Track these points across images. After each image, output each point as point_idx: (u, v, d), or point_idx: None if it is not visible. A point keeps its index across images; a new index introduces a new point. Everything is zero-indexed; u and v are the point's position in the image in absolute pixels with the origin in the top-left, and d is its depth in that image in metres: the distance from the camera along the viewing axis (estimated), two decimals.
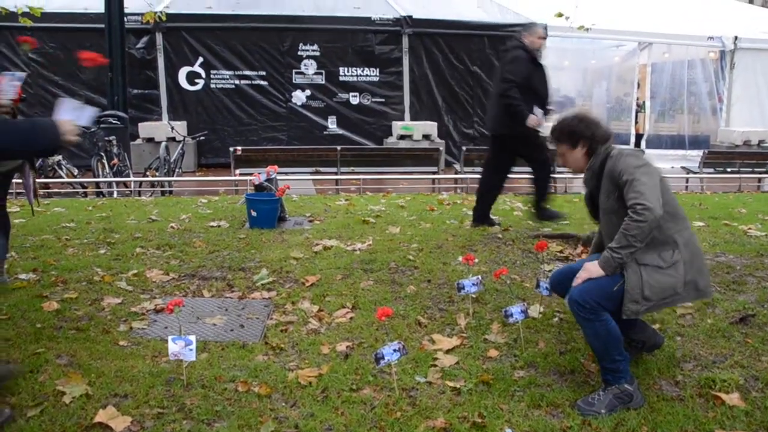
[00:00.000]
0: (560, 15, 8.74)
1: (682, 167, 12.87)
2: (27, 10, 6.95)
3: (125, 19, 11.50)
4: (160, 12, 8.94)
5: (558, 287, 3.35)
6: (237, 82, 13.58)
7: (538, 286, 3.87)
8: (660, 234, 2.92)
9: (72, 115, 2.76)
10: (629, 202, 2.86)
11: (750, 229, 6.37)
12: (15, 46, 12.57)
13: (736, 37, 16.35)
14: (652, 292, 2.89)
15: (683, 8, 17.61)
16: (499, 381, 3.14)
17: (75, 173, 9.97)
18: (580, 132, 3.15)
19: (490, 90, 14.56)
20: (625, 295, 2.89)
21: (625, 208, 2.88)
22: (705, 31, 16.27)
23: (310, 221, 6.68)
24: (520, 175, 11.22)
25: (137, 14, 11.88)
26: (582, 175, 3.24)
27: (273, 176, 6.64)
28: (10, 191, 7.24)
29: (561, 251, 5.50)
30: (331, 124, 14.06)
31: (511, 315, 3.52)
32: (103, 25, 11.25)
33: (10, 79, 3.30)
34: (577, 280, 2.98)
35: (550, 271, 4.94)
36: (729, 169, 12.24)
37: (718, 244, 5.74)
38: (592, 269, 2.94)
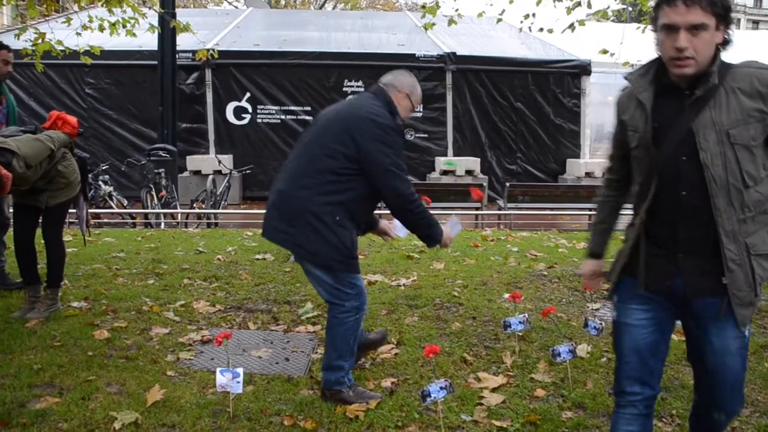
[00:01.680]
0: (605, 52, 8.69)
1: None
2: (88, 48, 7.24)
3: (177, 56, 11.90)
4: (212, 49, 9.20)
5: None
6: (283, 117, 13.83)
7: (586, 325, 3.81)
8: None
9: (454, 230, 3.55)
10: None
11: None
12: (74, 83, 13.08)
13: None
14: None
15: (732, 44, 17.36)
16: (547, 422, 3.08)
17: (125, 204, 10.24)
18: (730, 11, 2.11)
19: (533, 126, 14.61)
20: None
21: None
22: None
23: None
24: (563, 212, 11.16)
25: (188, 51, 12.27)
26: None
27: None
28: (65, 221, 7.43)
29: (608, 290, 5.40)
30: None
31: (559, 354, 3.47)
32: (156, 62, 11.67)
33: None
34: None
35: (597, 309, 4.87)
36: None
37: None
38: None
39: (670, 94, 2.14)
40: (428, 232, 3.20)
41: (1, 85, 5.01)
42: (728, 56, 2.18)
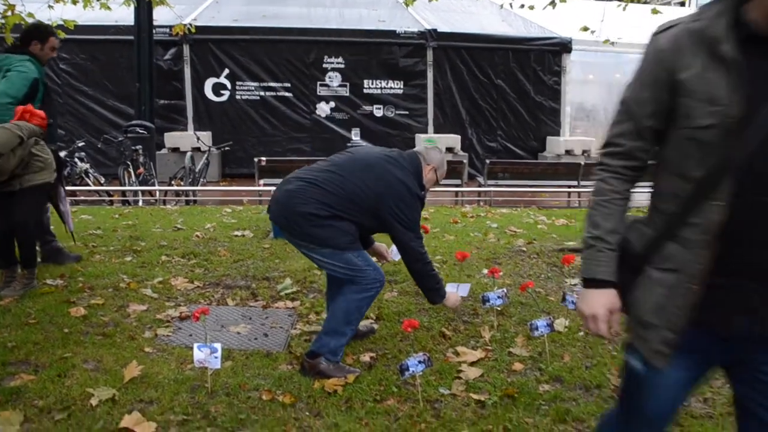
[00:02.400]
0: (585, 29, 8.68)
1: None
2: (61, 23, 7.08)
3: (153, 31, 11.70)
4: (190, 24, 9.05)
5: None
6: (262, 93, 13.70)
7: (564, 299, 3.84)
8: None
9: (461, 292, 3.91)
10: None
11: None
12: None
13: None
14: None
15: None
16: (524, 394, 3.11)
17: (102, 181, 10.12)
18: None
19: (513, 103, 14.61)
20: None
21: None
22: None
23: None
24: (544, 189, 11.22)
25: (165, 26, 12.06)
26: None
27: None
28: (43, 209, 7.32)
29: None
30: (355, 136, 14.12)
31: (537, 328, 3.49)
32: (132, 37, 11.47)
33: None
34: None
35: (575, 285, 4.91)
36: None
37: None
38: None
39: (764, 49, 1.49)
40: (433, 287, 3.45)
41: (41, 70, 4.98)
42: None
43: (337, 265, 3.24)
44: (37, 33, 4.97)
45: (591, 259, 1.75)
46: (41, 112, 4.59)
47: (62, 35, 7.22)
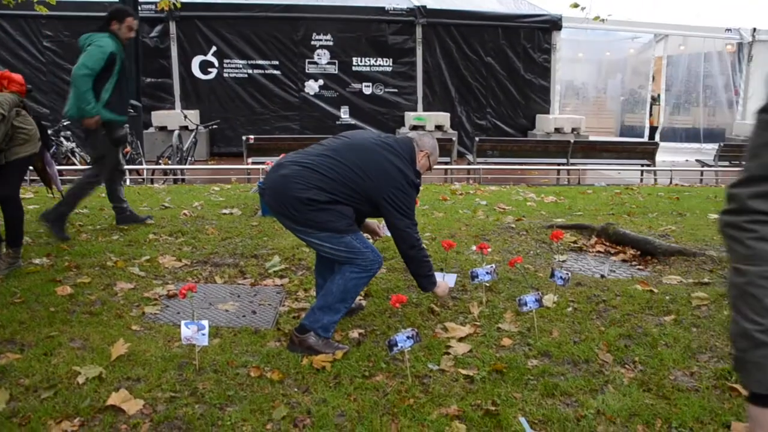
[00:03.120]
0: (576, 5, 8.64)
1: (697, 160, 12.75)
2: None
3: (139, 7, 11.51)
4: (175, 0, 8.91)
5: None
6: (250, 71, 13.58)
7: (552, 275, 3.84)
8: None
9: (448, 280, 3.85)
10: None
11: None
12: (30, 35, 12.62)
13: (754, 29, 16.17)
14: None
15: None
16: (513, 369, 3.12)
17: (88, 161, 10.00)
18: None
19: (503, 81, 14.54)
20: None
21: None
22: (722, 23, 16.09)
23: None
24: (532, 167, 11.22)
25: (151, 2, 11.89)
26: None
27: None
28: (24, 178, 7.27)
29: (575, 242, 5.46)
30: (344, 113, 14.04)
31: (525, 304, 3.50)
32: None
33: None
34: None
35: (564, 261, 4.92)
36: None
37: None
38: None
39: None
40: (426, 274, 3.46)
41: (120, 47, 5.45)
42: None
43: (336, 248, 3.22)
44: (116, 13, 5.59)
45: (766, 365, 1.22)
46: (19, 77, 4.52)
47: (44, 11, 7.11)
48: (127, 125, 9.94)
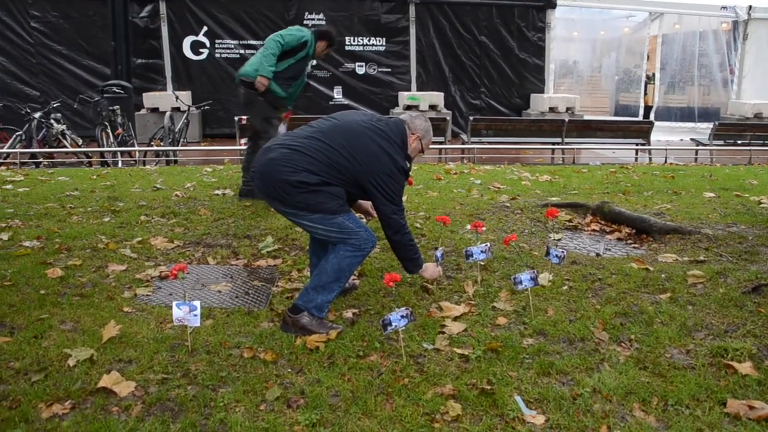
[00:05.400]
0: None
1: (692, 139, 12.72)
2: None
3: None
4: None
5: None
6: (242, 51, 13.43)
7: (548, 254, 3.82)
8: None
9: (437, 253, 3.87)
10: None
11: (762, 200, 6.28)
12: (17, 15, 12.43)
13: (750, 7, 16.06)
14: None
15: None
16: (508, 348, 3.10)
17: (79, 143, 9.91)
18: None
19: (497, 60, 14.43)
20: None
21: None
22: (718, 1, 15.98)
23: None
24: (527, 146, 11.17)
25: None
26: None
27: None
28: (14, 161, 7.24)
29: (570, 220, 5.43)
30: (337, 94, 13.93)
31: (521, 282, 3.47)
32: None
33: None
34: None
35: (559, 239, 4.89)
36: (739, 142, 12.07)
37: (729, 214, 5.66)
38: None
39: None
40: (411, 257, 3.43)
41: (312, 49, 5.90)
42: None
43: (328, 230, 3.19)
44: (326, 35, 5.99)
45: None
46: None
47: None
48: (118, 107, 9.89)
